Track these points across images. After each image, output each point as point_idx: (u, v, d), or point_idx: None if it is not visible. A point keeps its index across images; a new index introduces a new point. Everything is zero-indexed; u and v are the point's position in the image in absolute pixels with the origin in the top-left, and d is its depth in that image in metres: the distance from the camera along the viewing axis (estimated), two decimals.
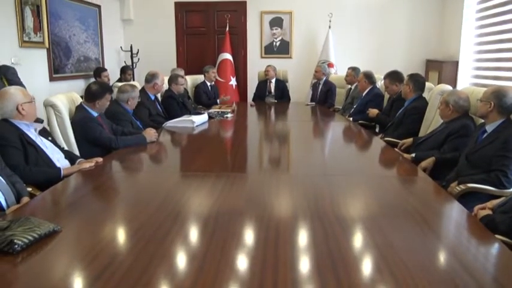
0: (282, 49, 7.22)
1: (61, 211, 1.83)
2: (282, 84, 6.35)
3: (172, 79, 4.79)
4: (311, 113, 5.16)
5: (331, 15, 6.86)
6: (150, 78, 4.25)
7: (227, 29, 7.08)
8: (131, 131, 3.32)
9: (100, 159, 2.59)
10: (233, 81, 7.03)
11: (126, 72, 6.30)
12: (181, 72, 5.53)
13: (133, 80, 6.36)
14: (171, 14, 7.22)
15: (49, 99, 2.88)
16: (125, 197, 2.08)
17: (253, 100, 6.40)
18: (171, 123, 3.93)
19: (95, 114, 3.05)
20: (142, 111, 3.99)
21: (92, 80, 5.97)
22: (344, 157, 2.84)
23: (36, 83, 4.78)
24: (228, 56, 7.00)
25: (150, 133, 3.17)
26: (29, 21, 4.65)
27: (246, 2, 7.14)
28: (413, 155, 2.90)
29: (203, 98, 5.78)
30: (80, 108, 3.03)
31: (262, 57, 7.25)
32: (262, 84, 6.36)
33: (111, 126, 3.24)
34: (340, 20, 6.96)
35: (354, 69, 5.47)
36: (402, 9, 7.00)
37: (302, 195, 1.99)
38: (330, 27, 6.84)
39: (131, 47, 7.10)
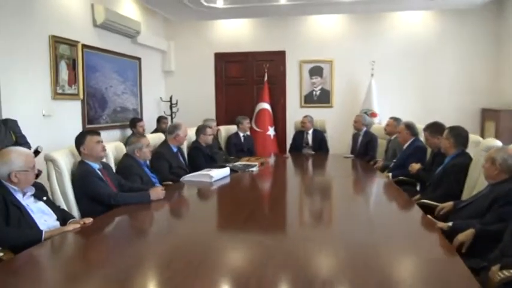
0: (322, 98, 7.07)
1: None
2: (319, 135, 6.11)
3: (200, 129, 4.73)
4: (351, 167, 4.92)
5: (374, 63, 6.59)
6: (172, 129, 4.21)
7: (265, 78, 7.07)
8: (139, 187, 3.18)
9: (89, 220, 2.45)
10: (271, 131, 6.95)
11: (161, 121, 6.35)
12: (213, 122, 5.45)
13: None
14: (211, 64, 7.35)
15: (49, 154, 2.80)
16: (100, 270, 1.84)
17: (289, 151, 6.25)
18: (188, 178, 3.79)
19: (96, 166, 2.94)
20: (161, 164, 3.92)
21: (128, 130, 6.05)
22: (379, 223, 2.56)
23: (69, 133, 4.81)
24: (266, 105, 6.96)
25: (156, 191, 3.02)
26: (64, 74, 4.79)
27: (284, 51, 7.11)
28: (450, 223, 2.44)
29: (232, 150, 5.70)
30: (80, 162, 2.93)
31: (301, 106, 7.14)
32: (299, 135, 6.17)
33: (119, 181, 3.13)
34: (383, 67, 6.70)
35: (395, 119, 5.10)
36: (451, 53, 6.59)
37: (345, 261, 1.92)
38: (372, 75, 6.58)
39: (171, 98, 7.24)
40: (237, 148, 5.77)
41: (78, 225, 2.34)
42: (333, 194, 3.54)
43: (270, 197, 3.47)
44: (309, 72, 7.06)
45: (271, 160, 5.39)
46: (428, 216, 2.58)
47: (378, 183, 3.87)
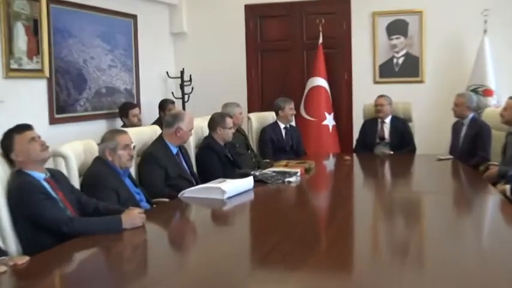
0: (408, 69, 6.88)
1: None
2: (401, 126, 5.98)
3: (216, 120, 4.68)
4: (450, 175, 4.98)
5: (487, 14, 6.28)
6: (171, 120, 4.17)
7: (320, 41, 6.91)
8: (109, 208, 3.14)
9: (23, 260, 2.40)
10: (329, 120, 6.81)
11: (165, 108, 6.34)
12: (236, 108, 5.42)
13: None
14: (240, 22, 7.32)
15: None
16: None
17: (355, 149, 6.26)
18: (189, 193, 3.74)
19: (40, 176, 2.92)
20: (152, 172, 3.94)
21: (118, 120, 6.10)
22: (497, 269, 2.42)
23: None
24: (321, 82, 6.84)
25: (131, 215, 2.94)
26: (21, 42, 4.83)
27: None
28: None
29: (267, 149, 5.69)
30: (17, 172, 2.91)
31: (375, 82, 6.99)
32: (371, 125, 6.06)
33: (77, 197, 3.11)
34: (503, 20, 6.41)
35: None
36: None
37: None
38: (485, 31, 6.34)
39: (182, 73, 7.22)
40: (276, 146, 5.75)
41: (3, 269, 2.27)
42: (422, 221, 3.48)
43: (316, 225, 3.36)
44: (387, 30, 6.90)
45: (325, 164, 5.37)
46: None
47: (493, 202, 3.77)
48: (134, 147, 3.59)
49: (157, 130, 4.35)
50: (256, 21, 7.28)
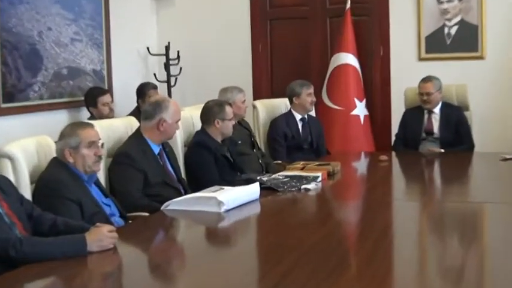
0: (463, 41, 6.89)
1: None
2: (455, 116, 6.00)
3: (212, 111, 4.71)
4: None
5: None
6: (152, 110, 4.20)
7: (348, 5, 6.93)
8: (70, 225, 3.14)
9: None
10: (360, 110, 6.82)
11: (145, 94, 6.35)
12: (238, 95, 5.45)
13: None
14: None
15: None
16: None
17: (394, 147, 6.28)
18: (176, 205, 3.74)
19: None
20: (127, 179, 3.98)
21: (84, 110, 6.11)
22: None
23: None
24: (350, 58, 6.87)
25: (98, 234, 2.92)
26: None
27: None
28: None
29: (279, 147, 5.68)
30: None
31: (420, 58, 7.02)
32: (413, 115, 6.10)
33: (28, 211, 3.09)
34: None
35: None
36: None
37: None
38: None
39: (167, 48, 7.24)
40: (290, 143, 5.78)
41: None
42: (482, 239, 3.47)
43: (343, 246, 3.34)
44: None
45: (355, 166, 5.42)
46: None
47: None
48: (103, 145, 3.58)
49: (134, 123, 4.35)
50: None
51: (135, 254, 3.16)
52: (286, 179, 4.31)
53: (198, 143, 4.59)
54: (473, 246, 3.25)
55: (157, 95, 6.11)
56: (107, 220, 3.34)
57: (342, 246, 3.28)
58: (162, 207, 3.71)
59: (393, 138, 6.42)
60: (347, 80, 6.78)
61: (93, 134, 3.49)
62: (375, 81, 7.05)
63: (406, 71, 6.82)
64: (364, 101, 6.80)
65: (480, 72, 6.64)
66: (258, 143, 5.63)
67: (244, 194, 3.83)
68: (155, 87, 6.53)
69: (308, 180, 4.28)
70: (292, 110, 5.85)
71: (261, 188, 3.98)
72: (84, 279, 2.77)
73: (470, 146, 5.92)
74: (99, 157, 3.53)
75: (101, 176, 3.76)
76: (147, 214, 3.69)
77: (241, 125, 5.38)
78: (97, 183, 3.60)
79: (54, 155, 3.50)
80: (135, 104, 6.43)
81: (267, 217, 3.85)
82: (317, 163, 4.90)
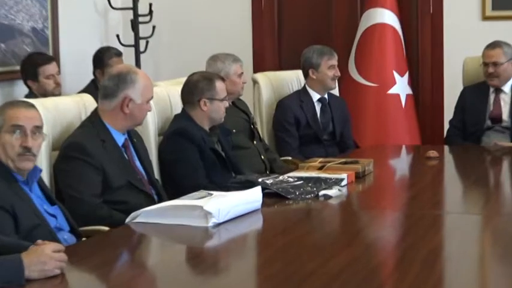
0: None
1: None
2: None
3: (197, 87, 4.77)
4: None
5: None
6: (114, 85, 4.22)
7: None
8: (9, 243, 3.16)
9: None
10: (401, 87, 6.93)
11: (105, 63, 6.41)
12: (234, 66, 5.46)
13: None
14: None
15: None
16: None
17: (448, 139, 6.41)
18: (147, 216, 3.75)
19: None
20: (81, 179, 4.00)
21: (21, 84, 6.14)
22: None
23: None
24: (387, 16, 7.01)
25: (40, 255, 2.90)
26: None
27: None
28: None
29: (289, 137, 5.71)
30: None
31: (485, 17, 7.16)
32: (475, 96, 6.21)
33: None
34: None
35: None
36: None
37: None
38: None
39: (135, 1, 7.28)
40: (304, 132, 5.86)
41: None
42: None
43: (376, 270, 3.32)
44: None
45: (393, 165, 5.49)
46: None
47: None
48: (42, 133, 3.53)
49: (89, 103, 4.38)
50: None
51: (89, 283, 3.15)
52: (298, 183, 4.33)
53: (177, 132, 4.61)
54: None
55: (121, 65, 6.17)
56: (52, 236, 3.32)
57: (376, 275, 3.26)
58: (127, 220, 3.69)
59: (446, 126, 6.50)
60: (383, 47, 6.86)
61: (30, 117, 3.44)
62: (422, 49, 7.16)
63: (465, 35, 6.94)
64: (406, 75, 6.88)
65: None
66: (260, 132, 5.67)
67: (241, 203, 3.82)
68: (118, 53, 6.61)
69: (329, 184, 4.32)
70: (307, 87, 5.91)
71: (264, 194, 4.00)
72: None
73: None
74: (27, 149, 3.42)
75: (45, 175, 3.76)
76: (106, 228, 3.70)
77: (237, 107, 5.43)
78: (40, 186, 3.57)
79: None
80: (91, 77, 6.51)
81: (272, 235, 3.82)
82: (341, 160, 4.92)
